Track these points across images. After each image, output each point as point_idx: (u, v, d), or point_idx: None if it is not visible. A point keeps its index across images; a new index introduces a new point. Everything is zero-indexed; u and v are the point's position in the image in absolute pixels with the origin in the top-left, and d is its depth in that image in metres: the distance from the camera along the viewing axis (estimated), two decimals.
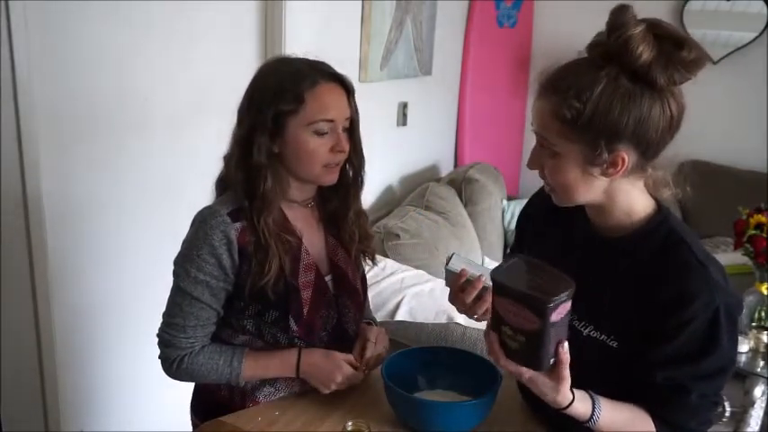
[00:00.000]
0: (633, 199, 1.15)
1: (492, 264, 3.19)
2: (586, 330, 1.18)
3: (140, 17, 1.91)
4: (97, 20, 1.80)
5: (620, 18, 1.04)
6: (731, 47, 3.46)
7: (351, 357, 1.38)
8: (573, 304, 1.10)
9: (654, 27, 1.04)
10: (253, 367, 1.36)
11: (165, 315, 1.37)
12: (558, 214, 1.26)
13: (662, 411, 1.14)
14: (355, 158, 1.41)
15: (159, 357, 1.38)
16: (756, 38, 3.42)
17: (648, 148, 1.08)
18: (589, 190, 1.12)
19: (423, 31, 3.17)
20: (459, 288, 1.28)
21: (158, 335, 1.37)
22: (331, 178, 1.36)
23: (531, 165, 1.17)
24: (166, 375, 1.39)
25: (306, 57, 1.36)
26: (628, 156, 1.07)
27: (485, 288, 1.25)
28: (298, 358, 1.36)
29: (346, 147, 1.34)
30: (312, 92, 1.29)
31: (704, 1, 3.48)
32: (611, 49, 1.04)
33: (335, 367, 1.34)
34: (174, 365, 1.36)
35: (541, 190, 1.39)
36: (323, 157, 1.32)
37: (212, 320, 1.37)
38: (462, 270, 1.28)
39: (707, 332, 1.08)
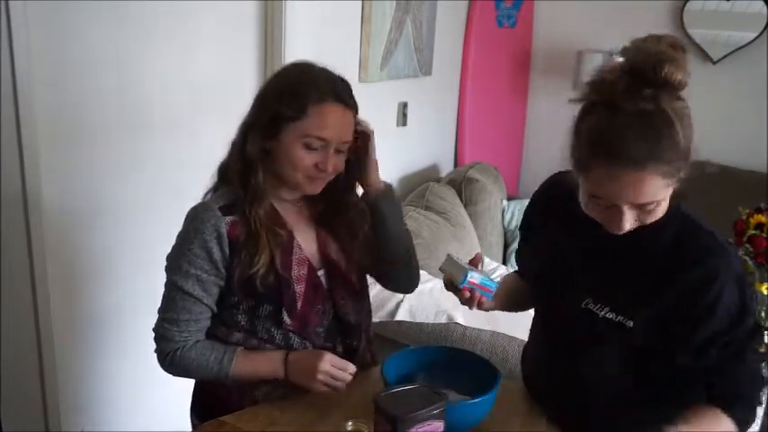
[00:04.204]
0: None
1: (491, 264, 3.19)
2: (603, 312, 1.23)
3: (141, 18, 1.91)
4: (98, 20, 1.80)
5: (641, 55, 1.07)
6: (731, 47, 3.45)
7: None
8: (588, 287, 1.20)
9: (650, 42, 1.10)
10: (242, 366, 1.37)
11: (159, 310, 1.39)
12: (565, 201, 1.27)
13: (731, 391, 1.19)
14: (346, 179, 1.43)
15: (155, 351, 1.40)
16: (756, 38, 3.42)
17: None
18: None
19: (423, 31, 3.17)
20: (452, 291, 1.37)
21: (154, 329, 1.39)
22: (312, 189, 1.38)
23: (628, 227, 1.13)
24: (161, 369, 1.40)
25: (331, 70, 1.37)
26: None
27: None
28: (286, 355, 1.36)
29: (330, 168, 1.34)
30: (316, 108, 1.30)
31: (704, 1, 3.47)
32: (648, 78, 1.05)
33: (319, 356, 1.33)
34: (166, 359, 1.38)
35: (543, 185, 1.41)
36: (306, 169, 1.33)
37: (205, 315, 1.38)
38: (445, 276, 1.36)
39: (740, 293, 1.15)
